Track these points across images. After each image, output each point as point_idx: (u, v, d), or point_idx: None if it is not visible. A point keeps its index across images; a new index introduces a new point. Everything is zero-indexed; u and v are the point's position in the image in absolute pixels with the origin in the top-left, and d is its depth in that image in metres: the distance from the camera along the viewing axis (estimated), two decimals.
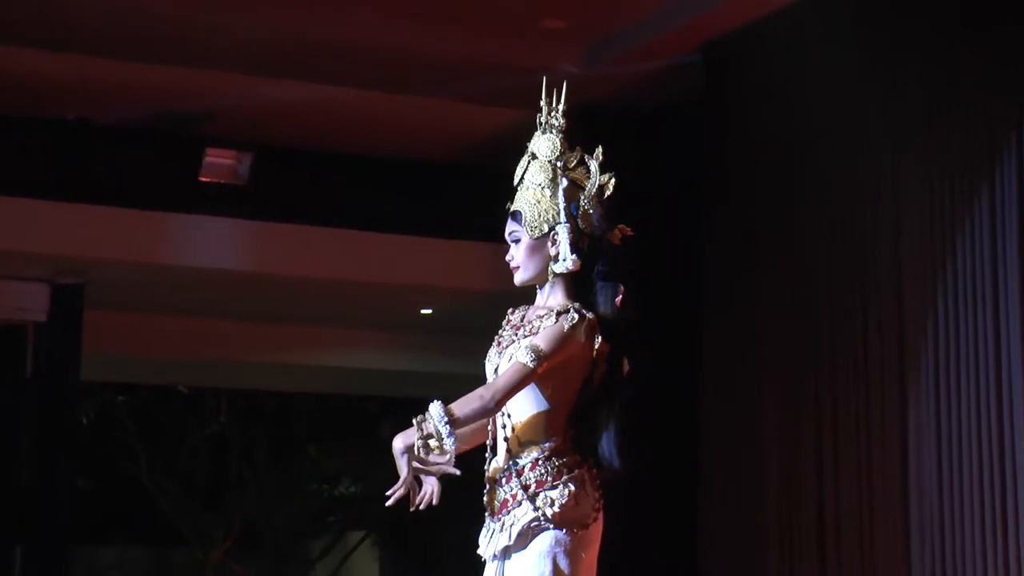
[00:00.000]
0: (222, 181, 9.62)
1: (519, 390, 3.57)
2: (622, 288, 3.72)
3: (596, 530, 3.66)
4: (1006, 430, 6.37)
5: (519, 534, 3.59)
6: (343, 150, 9.95)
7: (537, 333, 3.61)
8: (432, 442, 3.45)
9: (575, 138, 3.81)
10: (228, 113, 9.36)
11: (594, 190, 3.75)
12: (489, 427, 3.71)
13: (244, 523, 15.42)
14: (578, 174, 3.77)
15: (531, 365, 3.54)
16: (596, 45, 8.39)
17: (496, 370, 3.68)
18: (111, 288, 9.68)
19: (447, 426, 3.44)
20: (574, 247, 3.70)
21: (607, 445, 3.65)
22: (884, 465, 6.97)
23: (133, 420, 15.03)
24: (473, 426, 3.65)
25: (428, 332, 11.48)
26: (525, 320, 3.74)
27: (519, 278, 3.78)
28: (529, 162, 3.80)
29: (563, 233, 3.70)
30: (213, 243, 9.48)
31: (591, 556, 3.64)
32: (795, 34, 7.72)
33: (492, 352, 3.75)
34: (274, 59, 8.54)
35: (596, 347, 3.64)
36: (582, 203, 3.74)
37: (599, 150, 3.79)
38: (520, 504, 3.60)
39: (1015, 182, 6.45)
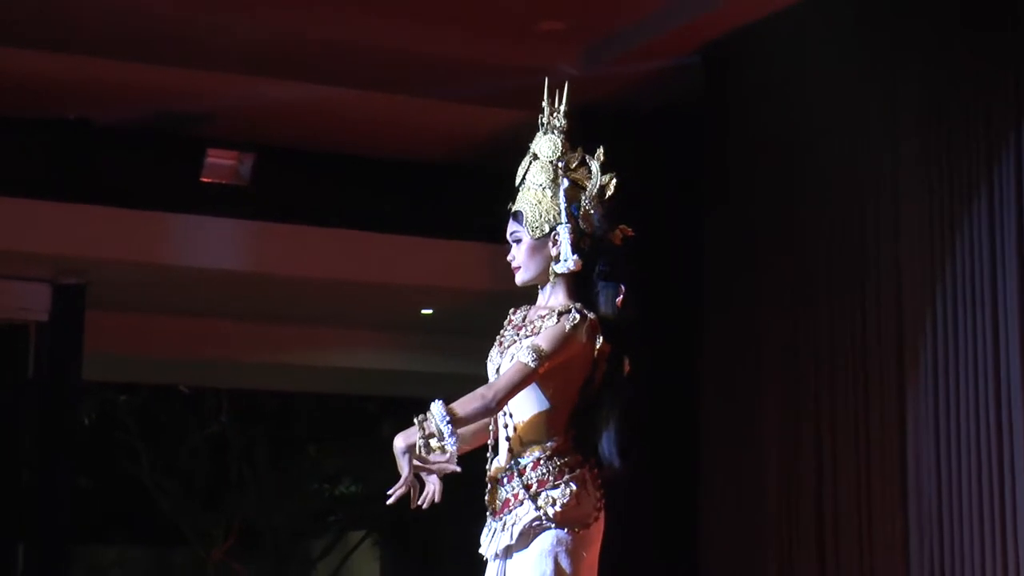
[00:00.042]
0: (223, 182, 9.63)
1: (520, 390, 3.58)
2: (623, 288, 3.73)
3: (597, 529, 3.67)
4: (1004, 430, 6.37)
5: (521, 533, 3.60)
6: (344, 150, 9.97)
7: (539, 333, 3.62)
8: (434, 441, 3.46)
9: (575, 139, 3.82)
10: (228, 113, 9.36)
11: (595, 190, 3.76)
12: (491, 427, 3.72)
13: (244, 523, 15.45)
14: (579, 174, 3.78)
15: (532, 365, 3.55)
16: (596, 45, 8.40)
17: (498, 370, 3.69)
18: (112, 288, 9.69)
19: (449, 425, 3.45)
20: (575, 247, 3.71)
21: (607, 445, 3.66)
22: (883, 465, 6.98)
23: (134, 420, 15.05)
24: (475, 426, 3.67)
25: (428, 332, 11.49)
26: (527, 320, 3.75)
27: (520, 278, 3.80)
28: (531, 163, 3.81)
29: (564, 233, 3.71)
30: (214, 243, 9.49)
31: (592, 555, 3.65)
32: (795, 35, 7.72)
33: (494, 352, 3.76)
34: (274, 59, 8.55)
35: (597, 347, 3.65)
36: (583, 203, 3.75)
37: (600, 150, 3.80)
38: (522, 503, 3.61)
39: (1013, 183, 6.45)
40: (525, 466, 3.64)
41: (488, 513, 3.70)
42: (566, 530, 3.60)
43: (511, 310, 3.84)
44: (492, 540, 3.67)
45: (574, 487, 3.62)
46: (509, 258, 3.80)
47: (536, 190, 3.77)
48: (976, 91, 6.69)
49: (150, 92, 8.98)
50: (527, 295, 3.84)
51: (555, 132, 3.80)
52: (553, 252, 3.73)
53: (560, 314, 3.64)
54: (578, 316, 3.63)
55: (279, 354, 11.69)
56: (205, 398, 15.30)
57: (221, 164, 9.62)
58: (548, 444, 3.65)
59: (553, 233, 3.73)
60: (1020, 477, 6.27)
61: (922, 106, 6.97)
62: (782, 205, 7.80)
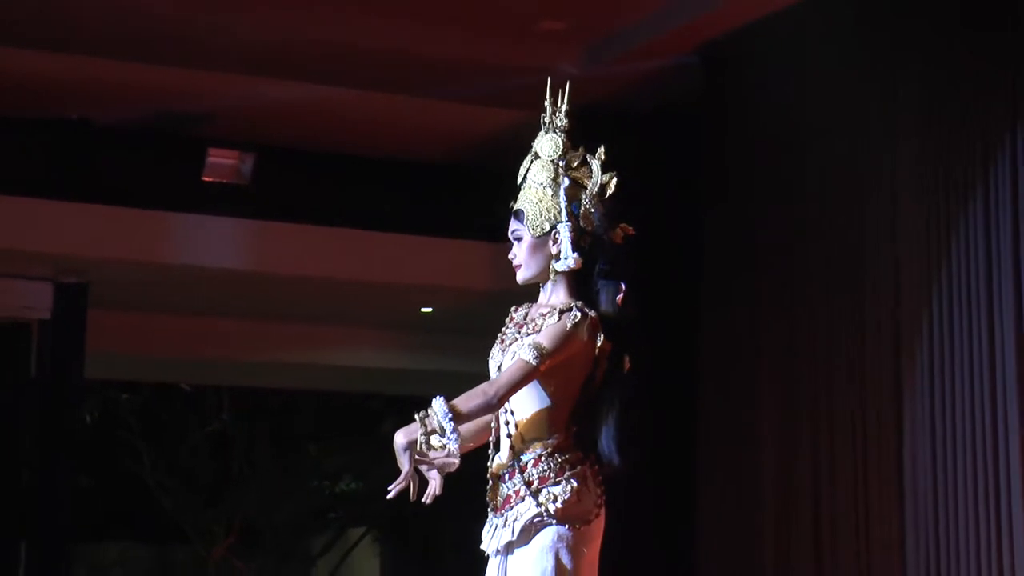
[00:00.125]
0: (224, 181, 9.65)
1: (521, 387, 3.60)
2: (623, 286, 3.75)
3: (598, 526, 3.69)
4: (1000, 430, 6.38)
5: (522, 530, 3.62)
6: (344, 150, 9.98)
7: (540, 331, 3.64)
8: (435, 438, 3.47)
9: (575, 138, 3.85)
10: (228, 113, 9.37)
11: (596, 189, 3.78)
12: (492, 424, 3.75)
13: (246, 520, 15.45)
14: (580, 173, 3.81)
15: (534, 362, 3.57)
16: (596, 45, 8.41)
17: (499, 367, 3.71)
18: (114, 287, 9.71)
19: (451, 422, 3.47)
20: (575, 245, 3.73)
21: (607, 442, 3.68)
22: (880, 464, 6.99)
23: (136, 418, 15.07)
24: (476, 425, 3.70)
25: (429, 331, 11.51)
26: (528, 318, 3.77)
27: (521, 276, 3.82)
28: (532, 161, 3.83)
29: (564, 232, 3.74)
30: (215, 242, 9.50)
31: (593, 552, 3.68)
32: (794, 34, 7.73)
33: (495, 350, 3.78)
34: (274, 59, 8.56)
35: (598, 345, 3.68)
36: (584, 202, 3.78)
37: (601, 149, 3.82)
38: (523, 500, 3.64)
39: (1008, 183, 6.46)
40: (526, 463, 3.66)
41: (489, 509, 3.72)
42: (567, 526, 3.62)
43: (512, 308, 3.86)
44: (493, 536, 3.69)
45: (575, 484, 3.64)
46: (510, 256, 3.82)
47: (537, 188, 3.80)
48: (975, 91, 6.69)
49: (151, 92, 8.99)
50: (528, 293, 3.87)
51: (557, 131, 3.83)
52: (554, 250, 3.76)
53: (561, 312, 3.66)
54: (579, 314, 3.65)
55: (280, 353, 11.72)
56: (206, 396, 15.30)
57: (222, 163, 9.63)
58: (549, 441, 3.67)
59: (554, 231, 3.75)
60: (1015, 477, 6.28)
61: (921, 106, 6.98)
62: (781, 205, 7.81)
